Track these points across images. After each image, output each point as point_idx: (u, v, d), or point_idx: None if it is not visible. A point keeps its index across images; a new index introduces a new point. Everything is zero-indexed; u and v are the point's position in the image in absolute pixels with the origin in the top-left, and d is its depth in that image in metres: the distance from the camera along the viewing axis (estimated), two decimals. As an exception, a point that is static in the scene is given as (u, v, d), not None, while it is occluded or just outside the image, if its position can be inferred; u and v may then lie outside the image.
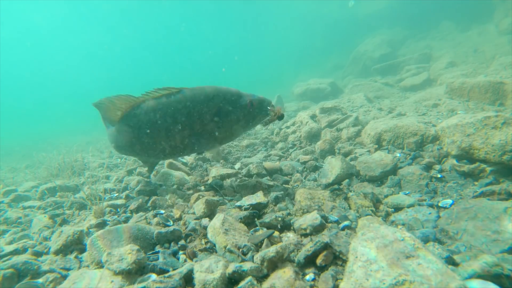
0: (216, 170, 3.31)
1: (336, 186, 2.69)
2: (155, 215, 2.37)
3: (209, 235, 1.97)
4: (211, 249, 1.86)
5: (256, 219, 2.11)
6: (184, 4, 33.07)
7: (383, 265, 1.20)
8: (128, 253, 1.64)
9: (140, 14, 38.40)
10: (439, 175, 2.58)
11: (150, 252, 1.84)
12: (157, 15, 37.70)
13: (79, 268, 1.84)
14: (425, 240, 1.79)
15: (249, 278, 1.42)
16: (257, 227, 2.00)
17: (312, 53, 19.77)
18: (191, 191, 2.96)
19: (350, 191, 2.58)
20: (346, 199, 2.37)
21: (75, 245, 2.05)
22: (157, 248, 1.90)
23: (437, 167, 2.72)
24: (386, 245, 1.29)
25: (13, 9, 36.97)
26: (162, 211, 2.45)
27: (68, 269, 1.83)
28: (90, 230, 2.32)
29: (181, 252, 1.86)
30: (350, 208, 2.24)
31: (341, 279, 1.41)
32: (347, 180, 2.79)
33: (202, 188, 3.00)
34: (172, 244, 1.94)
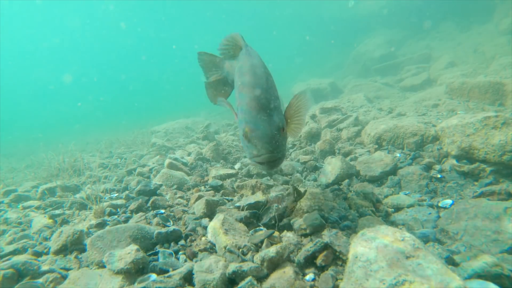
0: (216, 170, 3.31)
1: (336, 186, 2.69)
2: (155, 215, 2.36)
3: (209, 235, 1.97)
4: (211, 249, 1.86)
5: (256, 218, 2.11)
6: (182, 2, 32.97)
7: (383, 265, 1.20)
8: (127, 253, 1.64)
9: (138, 14, 38.34)
10: (439, 175, 2.58)
11: (150, 252, 1.84)
12: (151, 13, 37.52)
13: (79, 268, 1.84)
14: (425, 240, 1.79)
15: (249, 278, 1.42)
16: (257, 227, 2.00)
17: (312, 53, 19.79)
18: (191, 191, 2.96)
19: (350, 191, 2.58)
20: (346, 199, 2.37)
21: (75, 245, 2.05)
22: (157, 248, 1.90)
23: (437, 167, 2.72)
24: (386, 245, 1.29)
25: (12, 8, 37.01)
26: (162, 211, 2.45)
27: (68, 269, 1.83)
28: (90, 230, 2.32)
29: (181, 252, 1.86)
30: (350, 208, 2.24)
31: (341, 279, 1.41)
32: (347, 180, 2.79)
33: (202, 188, 3.00)
34: (172, 244, 1.94)
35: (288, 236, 1.86)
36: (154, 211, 2.46)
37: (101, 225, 2.35)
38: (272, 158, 1.63)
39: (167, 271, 1.61)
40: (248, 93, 1.82)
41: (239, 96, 1.93)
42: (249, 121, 1.71)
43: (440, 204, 2.19)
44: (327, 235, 1.73)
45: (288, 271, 1.47)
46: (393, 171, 2.79)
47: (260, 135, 1.64)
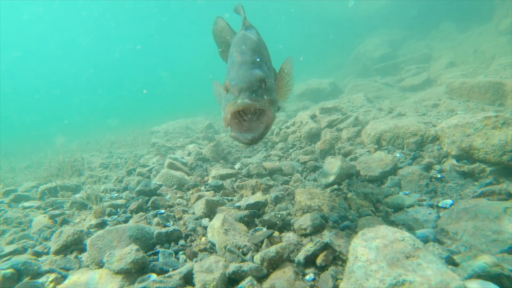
0: (216, 170, 3.31)
1: (336, 186, 2.69)
2: (155, 215, 2.36)
3: (209, 235, 1.98)
4: (211, 249, 1.86)
5: (256, 218, 2.11)
6: (183, 3, 32.91)
7: (383, 265, 1.20)
8: (127, 253, 1.64)
9: (137, 15, 38.29)
10: (439, 175, 2.58)
11: (150, 252, 1.84)
12: (151, 12, 37.38)
13: (79, 268, 1.84)
14: (425, 240, 1.79)
15: (249, 278, 1.42)
16: (257, 227, 2.00)
17: (312, 53, 19.78)
18: (191, 191, 2.96)
19: (350, 191, 2.58)
20: (346, 199, 2.37)
21: (75, 245, 2.05)
22: (157, 248, 1.90)
23: (437, 167, 2.72)
24: (386, 245, 1.29)
25: (12, 9, 36.99)
26: (162, 211, 2.45)
27: (68, 269, 1.83)
28: (90, 230, 2.32)
29: (181, 252, 1.86)
30: (350, 208, 2.24)
31: (341, 279, 1.41)
32: (347, 180, 2.79)
33: (202, 188, 3.00)
34: (172, 244, 1.94)
35: (288, 236, 1.86)
36: (154, 211, 2.46)
37: (101, 225, 2.35)
38: (250, 104, 1.46)
39: (167, 271, 1.61)
40: (235, 55, 1.80)
41: (228, 61, 1.90)
42: (231, 75, 1.64)
43: (440, 204, 2.19)
44: (327, 235, 1.73)
45: (288, 271, 1.47)
46: (393, 171, 2.79)
47: (238, 82, 1.53)
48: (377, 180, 2.79)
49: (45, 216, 2.82)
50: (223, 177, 3.16)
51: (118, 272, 1.58)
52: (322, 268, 1.55)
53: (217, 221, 1.94)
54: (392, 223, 2.05)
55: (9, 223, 2.92)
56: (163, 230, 1.99)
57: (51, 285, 1.67)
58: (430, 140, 3.12)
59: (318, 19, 19.39)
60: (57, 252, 2.02)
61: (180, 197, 2.80)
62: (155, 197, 2.67)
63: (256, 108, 1.53)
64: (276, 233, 1.87)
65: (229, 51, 2.13)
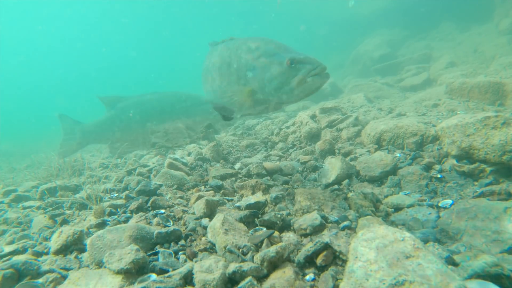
0: (216, 170, 3.31)
1: (336, 186, 2.69)
2: (155, 215, 2.36)
3: (209, 235, 1.98)
4: (211, 249, 1.86)
5: (256, 218, 2.11)
6: (182, 2, 32.82)
7: (383, 265, 1.20)
8: (127, 253, 1.64)
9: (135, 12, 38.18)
10: (439, 175, 2.58)
11: (150, 252, 1.84)
12: (154, 9, 37.28)
13: (79, 268, 1.84)
14: (425, 240, 1.79)
15: (249, 278, 1.42)
16: (257, 227, 2.00)
17: (311, 53, 19.77)
18: (191, 191, 2.96)
19: (350, 191, 2.58)
20: (346, 199, 2.37)
21: (75, 245, 2.05)
22: (157, 248, 1.90)
23: (437, 167, 2.72)
24: (386, 245, 1.29)
25: (12, 12, 36.99)
26: (162, 211, 2.45)
27: (68, 269, 1.83)
28: (90, 230, 2.32)
29: (181, 252, 1.86)
30: (350, 208, 2.24)
31: (341, 279, 1.41)
32: (347, 180, 2.79)
33: (202, 188, 3.00)
34: (172, 244, 1.94)
35: (288, 236, 1.86)
36: (154, 211, 2.46)
37: (101, 225, 2.35)
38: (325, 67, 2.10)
39: (167, 271, 1.61)
40: (270, 44, 2.32)
41: (251, 55, 2.39)
42: (289, 54, 2.17)
43: (440, 204, 2.19)
44: (327, 235, 1.73)
45: (288, 271, 1.47)
46: (393, 171, 2.79)
47: (307, 56, 2.14)
48: (377, 180, 2.79)
49: (45, 216, 2.82)
50: (223, 177, 3.16)
51: (118, 272, 1.58)
52: (322, 268, 1.55)
53: (217, 221, 1.94)
54: (392, 223, 2.05)
55: (9, 223, 2.92)
56: (163, 230, 1.99)
57: (51, 285, 1.67)
58: (430, 140, 3.12)
59: (318, 19, 19.39)
60: (57, 252, 2.02)
61: (180, 197, 2.80)
62: (155, 197, 2.67)
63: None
64: (276, 233, 1.87)
65: (242, 48, 2.55)
